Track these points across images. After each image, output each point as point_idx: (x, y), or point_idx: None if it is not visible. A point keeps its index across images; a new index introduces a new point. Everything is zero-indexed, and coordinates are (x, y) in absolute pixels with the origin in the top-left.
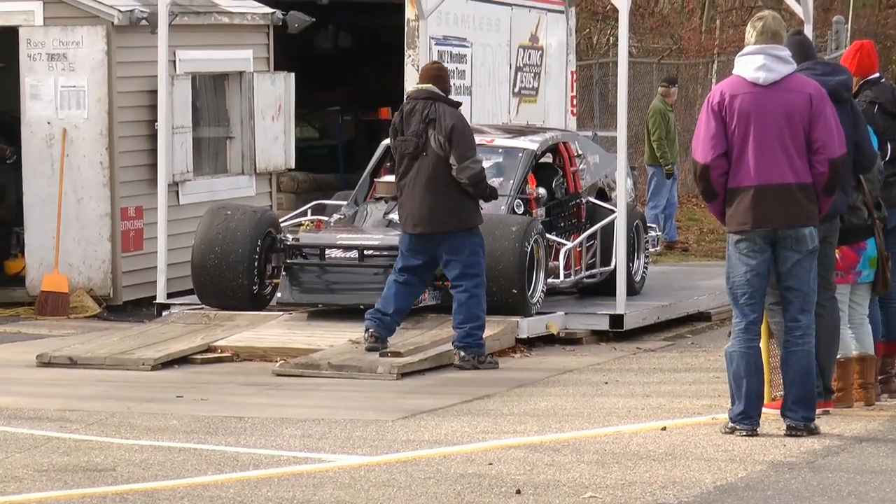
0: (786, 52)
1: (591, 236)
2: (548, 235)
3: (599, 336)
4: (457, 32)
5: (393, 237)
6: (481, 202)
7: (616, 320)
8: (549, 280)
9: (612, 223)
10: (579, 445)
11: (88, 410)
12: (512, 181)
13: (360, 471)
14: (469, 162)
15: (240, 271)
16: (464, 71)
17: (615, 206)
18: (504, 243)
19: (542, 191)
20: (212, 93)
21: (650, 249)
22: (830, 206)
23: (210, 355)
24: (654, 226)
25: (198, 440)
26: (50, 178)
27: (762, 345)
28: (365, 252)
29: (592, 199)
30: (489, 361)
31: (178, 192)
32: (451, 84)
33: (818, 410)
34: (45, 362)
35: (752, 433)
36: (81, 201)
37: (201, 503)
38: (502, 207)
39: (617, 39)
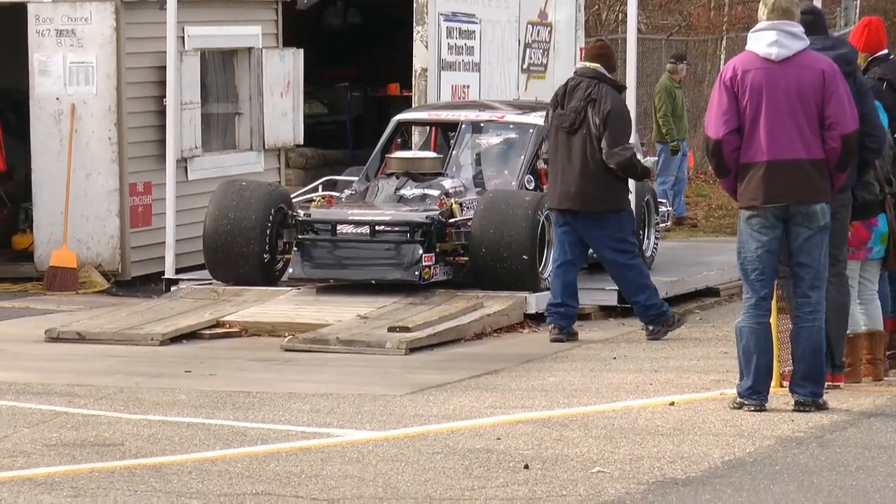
0: (798, 29)
1: None
2: None
3: (608, 311)
4: (465, 8)
5: (404, 213)
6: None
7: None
8: None
9: None
10: (587, 420)
11: (97, 385)
12: (522, 157)
13: (368, 445)
14: (619, 149)
15: (252, 237)
16: (472, 47)
17: None
18: (517, 211)
19: None
20: (220, 69)
21: (661, 225)
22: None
23: (218, 330)
24: (664, 201)
25: (206, 415)
26: (58, 154)
27: (772, 320)
28: (376, 227)
29: None
30: (678, 320)
31: (186, 168)
32: (617, 62)
33: (827, 384)
34: (54, 337)
35: (761, 408)
36: (90, 177)
37: (210, 478)
38: (513, 183)
39: (626, 16)
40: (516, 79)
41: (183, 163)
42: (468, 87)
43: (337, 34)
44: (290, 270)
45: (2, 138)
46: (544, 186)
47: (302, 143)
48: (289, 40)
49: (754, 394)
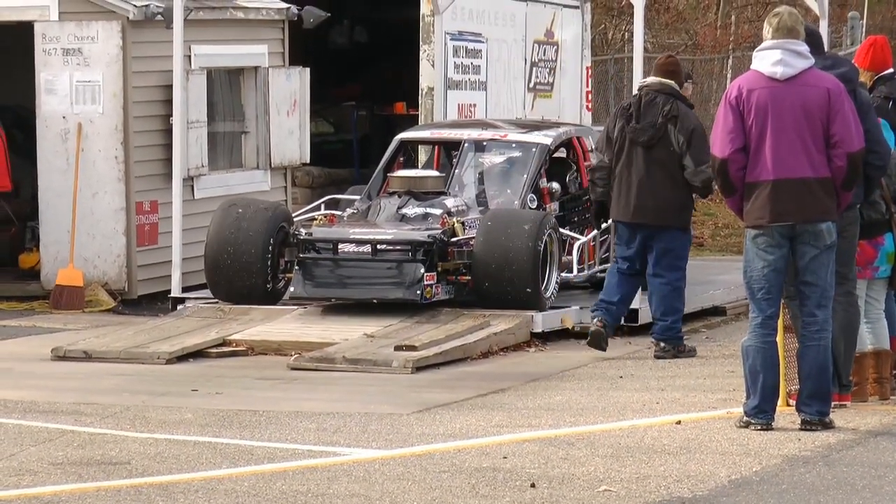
0: (803, 48)
1: (605, 230)
2: (561, 230)
3: (614, 330)
4: (472, 28)
5: (406, 231)
6: None
7: (631, 314)
8: (563, 274)
9: None
10: (594, 439)
11: (103, 404)
12: (525, 176)
13: (374, 464)
14: (705, 167)
15: (253, 272)
16: (479, 66)
17: None
18: (517, 242)
19: (555, 185)
20: (227, 88)
21: None
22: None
23: (225, 349)
24: None
25: (213, 434)
26: (65, 173)
27: (778, 339)
28: (378, 246)
29: None
30: (688, 351)
31: (193, 187)
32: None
33: (834, 403)
34: (60, 356)
35: (767, 427)
36: (96, 196)
37: (216, 496)
38: (515, 202)
39: (632, 35)
40: (522, 97)
41: (189, 181)
42: (475, 105)
43: (343, 53)
44: (291, 289)
45: (6, 157)
46: (546, 206)
47: (308, 161)
48: (295, 59)
49: (761, 413)
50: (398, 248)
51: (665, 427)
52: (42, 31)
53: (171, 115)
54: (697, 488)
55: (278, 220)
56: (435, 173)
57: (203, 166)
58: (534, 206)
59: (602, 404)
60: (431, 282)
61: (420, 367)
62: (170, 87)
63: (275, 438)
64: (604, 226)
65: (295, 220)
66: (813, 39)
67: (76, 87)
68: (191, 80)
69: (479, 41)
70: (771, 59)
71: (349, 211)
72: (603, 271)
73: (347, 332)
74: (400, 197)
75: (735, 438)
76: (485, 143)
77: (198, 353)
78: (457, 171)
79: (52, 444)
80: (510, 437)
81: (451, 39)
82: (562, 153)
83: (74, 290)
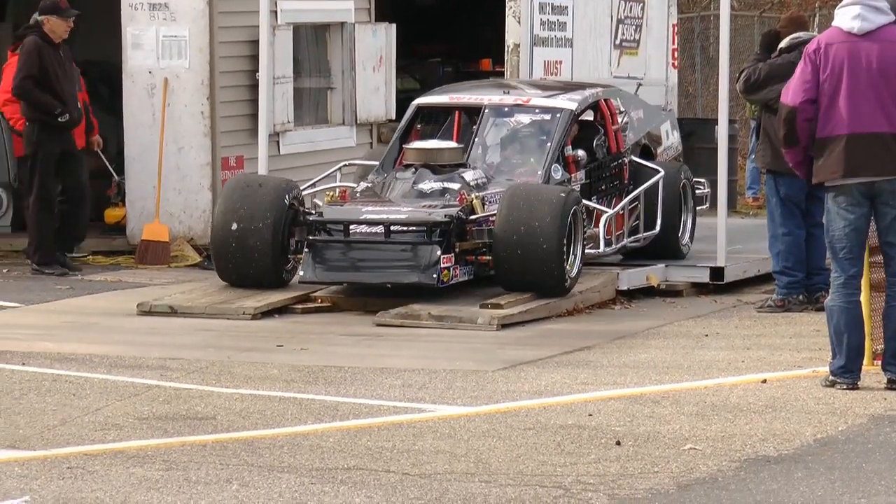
0: (883, 4)
1: (635, 199)
2: (587, 203)
3: (699, 288)
4: None
5: (421, 211)
6: None
7: (716, 273)
8: (588, 251)
9: (656, 185)
10: (679, 397)
11: (189, 359)
12: (549, 144)
13: (460, 421)
14: None
15: (262, 237)
16: (565, 23)
17: (659, 164)
18: (540, 221)
19: (581, 153)
20: (313, 43)
21: (698, 209)
22: None
23: (310, 305)
24: (702, 182)
25: (298, 389)
26: (151, 128)
27: (863, 298)
28: (391, 228)
29: (635, 159)
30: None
31: (278, 143)
32: None
33: None
34: (146, 311)
35: (853, 387)
36: (182, 151)
37: (301, 452)
38: (539, 172)
39: None
40: (608, 55)
41: (275, 137)
42: (560, 62)
43: (430, 9)
44: (301, 273)
45: (87, 116)
46: (572, 175)
47: (394, 118)
48: (381, 15)
49: (846, 372)
50: (413, 228)
51: (750, 385)
52: None
53: (257, 71)
54: (783, 447)
55: (288, 198)
56: (453, 144)
57: (289, 122)
58: (558, 177)
59: (687, 362)
60: (449, 264)
61: (505, 325)
62: (256, 43)
63: (360, 394)
64: (630, 196)
65: (307, 192)
66: None
67: (162, 41)
68: (277, 36)
69: None
70: (850, 14)
71: (363, 185)
72: (634, 241)
73: None
74: (416, 170)
75: (821, 397)
76: (506, 109)
77: (283, 309)
78: (476, 139)
79: (138, 398)
80: (595, 395)
81: None
82: (588, 115)
83: (160, 245)
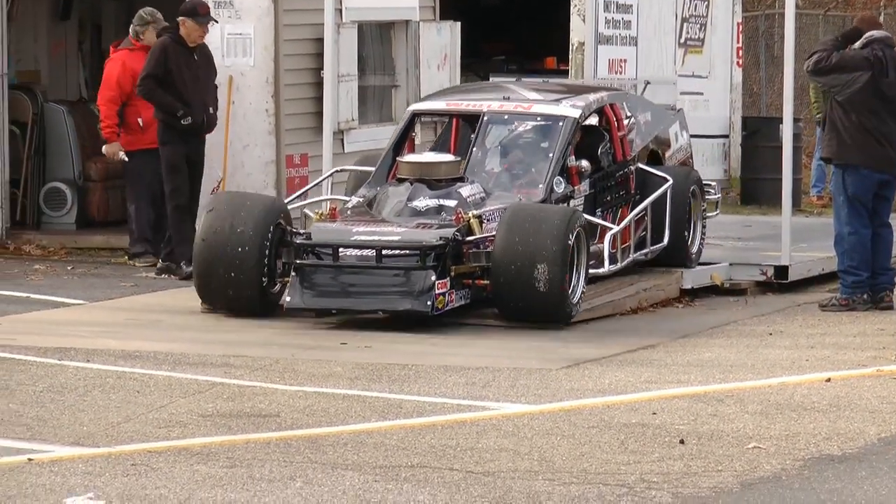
0: None
1: (642, 210)
2: (591, 219)
3: (763, 287)
4: None
5: (415, 232)
6: None
7: (781, 271)
8: (592, 271)
9: (663, 195)
10: (743, 396)
11: (252, 357)
12: (551, 155)
13: (523, 419)
14: None
15: (247, 259)
16: (629, 21)
17: (667, 171)
18: (541, 244)
19: (585, 164)
20: (377, 41)
21: (709, 215)
22: None
23: None
24: (713, 185)
25: (362, 387)
26: (216, 126)
27: None
28: (383, 251)
29: (642, 166)
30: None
31: (343, 140)
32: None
33: None
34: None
35: None
36: (247, 148)
37: (365, 449)
38: (540, 186)
39: None
40: (673, 53)
41: (339, 135)
42: (625, 61)
43: (494, 7)
44: (287, 299)
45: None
46: (575, 187)
47: None
48: (446, 13)
49: None
50: (406, 252)
51: (814, 384)
52: None
53: (322, 69)
54: (847, 446)
55: (275, 217)
56: (449, 157)
57: (353, 120)
58: (560, 190)
59: (751, 361)
60: (444, 290)
61: (569, 323)
62: (320, 41)
63: (423, 392)
64: (638, 208)
65: (293, 205)
66: None
67: (227, 39)
68: (341, 34)
69: None
70: None
71: (354, 200)
72: (642, 256)
73: None
74: (410, 185)
75: (885, 396)
76: (506, 117)
77: None
78: (474, 148)
79: (202, 396)
80: (659, 393)
81: None
82: (593, 120)
83: None
